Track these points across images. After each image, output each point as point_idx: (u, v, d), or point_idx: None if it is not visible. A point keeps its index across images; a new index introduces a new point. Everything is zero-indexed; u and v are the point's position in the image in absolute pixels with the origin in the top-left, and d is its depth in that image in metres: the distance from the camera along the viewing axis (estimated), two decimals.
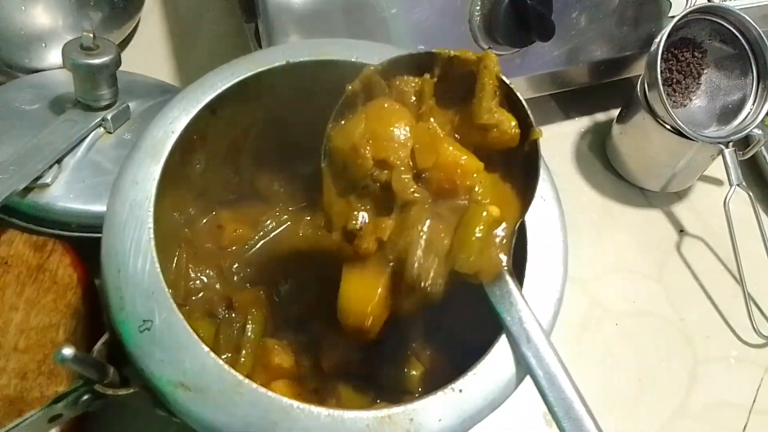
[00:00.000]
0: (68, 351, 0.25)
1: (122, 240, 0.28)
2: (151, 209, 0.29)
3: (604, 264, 0.52)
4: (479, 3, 0.44)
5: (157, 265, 0.27)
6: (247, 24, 0.44)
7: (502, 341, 0.28)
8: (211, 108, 0.32)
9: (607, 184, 0.56)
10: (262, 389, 0.25)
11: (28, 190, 0.40)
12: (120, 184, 0.30)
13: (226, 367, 0.25)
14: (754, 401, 0.47)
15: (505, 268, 0.29)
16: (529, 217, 0.31)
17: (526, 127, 0.30)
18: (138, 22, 0.58)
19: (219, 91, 0.32)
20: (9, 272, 0.39)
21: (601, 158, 0.57)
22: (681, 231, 0.54)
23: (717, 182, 0.57)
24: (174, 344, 0.26)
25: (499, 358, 0.27)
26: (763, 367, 0.48)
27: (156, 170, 0.30)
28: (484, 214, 0.29)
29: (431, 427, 0.25)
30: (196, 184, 0.37)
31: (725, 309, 0.50)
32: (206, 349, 0.26)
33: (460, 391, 0.26)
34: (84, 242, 0.41)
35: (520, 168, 0.30)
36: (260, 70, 0.32)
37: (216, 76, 0.33)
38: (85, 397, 0.28)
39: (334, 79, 0.30)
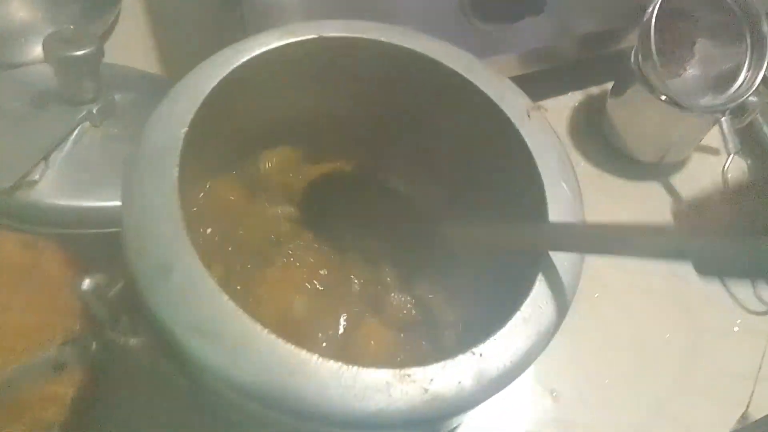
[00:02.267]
0: (89, 282, 0.25)
1: (148, 180, 0.27)
2: (178, 157, 0.28)
3: None
4: None
5: (179, 211, 0.27)
6: (233, 11, 0.43)
7: (524, 310, 0.27)
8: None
9: (603, 158, 0.56)
10: (281, 339, 0.24)
11: (15, 188, 0.39)
12: (147, 129, 0.30)
13: (245, 315, 0.25)
14: (759, 369, 0.47)
15: None
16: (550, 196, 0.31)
17: None
18: (119, 12, 0.57)
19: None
20: (1, 273, 0.38)
21: (596, 132, 0.57)
22: (679, 202, 0.54)
23: (713, 151, 0.57)
24: (192, 290, 0.25)
25: (521, 326, 0.27)
26: (767, 335, 0.49)
27: (187, 117, 0.30)
28: None
29: (450, 389, 0.25)
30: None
31: (728, 279, 0.50)
32: (225, 296, 0.25)
33: (481, 355, 0.26)
34: (75, 239, 0.41)
35: None
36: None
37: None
38: (94, 344, 0.27)
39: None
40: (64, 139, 0.42)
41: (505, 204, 0.35)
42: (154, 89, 0.49)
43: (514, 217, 0.34)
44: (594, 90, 0.59)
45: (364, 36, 0.34)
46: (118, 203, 0.29)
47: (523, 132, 0.33)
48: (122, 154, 0.43)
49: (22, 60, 0.50)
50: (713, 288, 0.50)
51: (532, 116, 0.34)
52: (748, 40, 0.49)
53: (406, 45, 0.34)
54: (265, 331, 0.24)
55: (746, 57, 0.49)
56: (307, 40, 0.33)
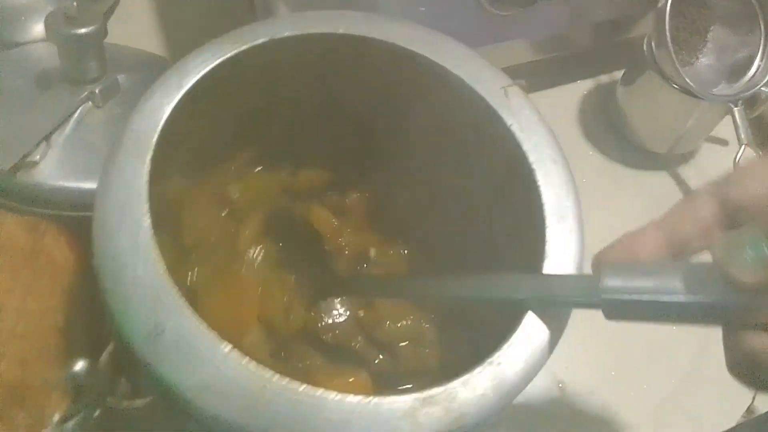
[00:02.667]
0: (81, 365, 0.24)
1: (118, 245, 0.25)
2: (146, 205, 0.26)
3: (612, 228, 0.50)
4: None
5: (161, 264, 0.25)
6: None
7: (531, 313, 0.27)
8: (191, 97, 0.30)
9: (612, 147, 0.55)
10: (292, 383, 0.23)
11: (16, 168, 0.38)
12: (106, 186, 0.28)
13: (252, 364, 0.23)
14: None
15: None
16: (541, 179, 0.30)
17: None
18: None
19: (199, 75, 0.30)
20: (2, 255, 0.37)
21: (605, 121, 0.56)
22: (689, 193, 0.53)
23: (722, 142, 0.56)
24: (190, 346, 0.24)
25: (530, 327, 0.26)
26: None
27: (143, 169, 0.28)
28: None
29: (474, 402, 0.24)
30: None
31: None
32: (227, 347, 0.24)
33: (499, 364, 0.25)
34: (77, 221, 0.40)
35: None
36: (242, 48, 0.30)
37: (195, 58, 0.31)
38: (97, 412, 0.27)
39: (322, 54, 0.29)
40: (66, 119, 0.42)
41: (495, 190, 0.34)
42: (158, 71, 0.49)
43: (503, 199, 0.33)
44: (603, 78, 0.58)
45: (318, 31, 0.32)
46: None
47: (503, 112, 0.31)
48: None
49: (24, 38, 0.49)
50: None
51: (510, 93, 0.32)
52: (762, 29, 0.49)
53: (365, 34, 0.32)
54: (276, 376, 0.23)
55: (760, 46, 0.49)
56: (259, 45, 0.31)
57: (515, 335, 0.26)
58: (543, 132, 0.31)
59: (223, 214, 0.38)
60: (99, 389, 0.25)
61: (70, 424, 0.26)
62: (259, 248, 0.39)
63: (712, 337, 0.46)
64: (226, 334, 0.30)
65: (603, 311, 0.24)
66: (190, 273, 0.33)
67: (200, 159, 0.36)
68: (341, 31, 0.32)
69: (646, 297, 0.23)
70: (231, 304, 0.35)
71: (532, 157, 0.30)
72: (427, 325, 0.37)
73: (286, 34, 0.31)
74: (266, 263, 0.39)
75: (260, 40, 0.31)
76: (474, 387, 0.24)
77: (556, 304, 0.27)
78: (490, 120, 0.31)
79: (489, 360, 0.25)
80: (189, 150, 0.34)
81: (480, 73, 0.32)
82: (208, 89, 0.31)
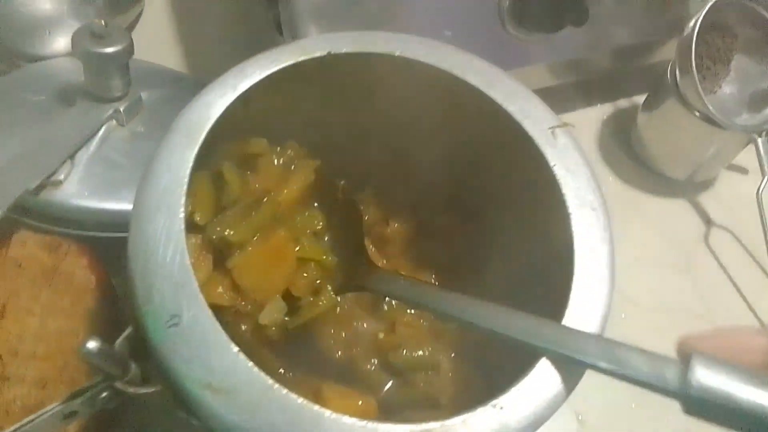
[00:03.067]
0: (93, 344, 0.25)
1: (153, 228, 0.26)
2: (183, 197, 0.27)
3: (631, 256, 0.51)
4: None
5: (188, 256, 0.26)
6: (268, 12, 0.42)
7: (546, 359, 0.26)
8: (244, 98, 0.30)
9: (631, 172, 0.55)
10: (293, 395, 0.24)
11: (40, 187, 0.38)
12: (152, 169, 0.28)
13: (256, 369, 0.24)
14: None
15: None
16: (576, 227, 0.29)
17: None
18: (143, 5, 0.56)
19: (256, 80, 0.30)
20: (23, 275, 0.37)
21: (625, 146, 0.56)
22: (708, 221, 0.53)
23: (742, 171, 0.56)
24: (202, 342, 0.24)
25: (543, 374, 0.26)
26: None
27: (190, 156, 0.28)
28: None
29: None
30: None
31: (753, 300, 0.50)
32: (236, 349, 0.24)
33: (501, 408, 0.25)
34: (100, 242, 0.40)
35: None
36: (300, 59, 0.30)
37: (254, 64, 0.31)
38: (104, 394, 0.27)
39: (375, 73, 0.29)
40: (90, 137, 0.41)
41: (528, 227, 0.34)
42: (179, 87, 0.49)
43: (535, 238, 0.33)
44: (623, 103, 0.58)
45: (376, 50, 0.32)
46: None
47: (548, 153, 0.31)
48: (148, 153, 0.42)
49: (47, 53, 0.49)
50: (742, 311, 0.49)
51: (558, 134, 0.32)
52: None
53: (420, 59, 0.32)
54: (277, 386, 0.24)
55: None
56: (319, 57, 0.32)
57: (526, 380, 0.25)
58: (585, 177, 0.30)
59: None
60: (110, 371, 0.26)
61: (78, 401, 0.26)
62: (303, 216, 0.38)
63: None
64: (249, 295, 0.31)
65: (683, 405, 0.23)
66: (228, 229, 0.33)
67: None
68: (398, 53, 0.32)
69: (745, 406, 0.21)
70: (263, 266, 0.34)
71: (571, 202, 0.29)
72: (444, 358, 0.37)
73: (345, 50, 0.31)
74: (308, 235, 0.38)
75: (319, 53, 0.31)
76: (473, 428, 0.24)
77: (593, 366, 0.26)
78: (534, 159, 0.31)
79: (493, 402, 0.25)
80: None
81: (530, 111, 0.31)
82: (262, 94, 0.31)
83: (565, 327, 0.27)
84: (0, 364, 0.35)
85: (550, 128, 0.32)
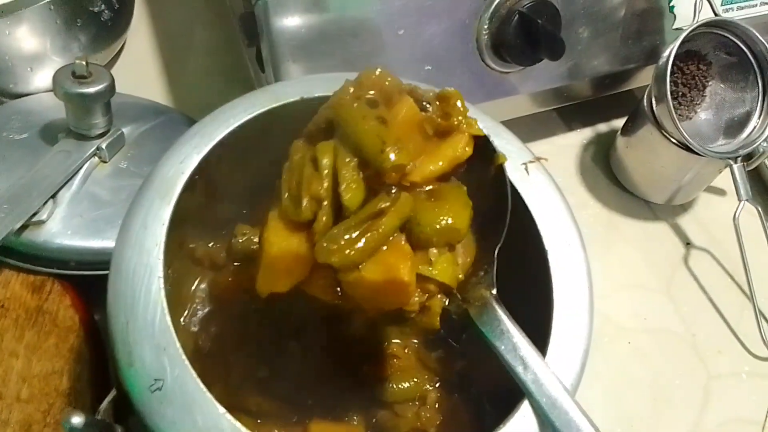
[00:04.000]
0: (77, 419, 0.25)
1: (131, 289, 0.27)
2: (161, 257, 0.27)
3: (613, 279, 0.52)
4: (487, 21, 0.43)
5: (168, 317, 0.26)
6: (249, 48, 0.42)
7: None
8: (222, 145, 0.31)
9: (611, 196, 0.56)
10: None
11: (23, 227, 0.38)
12: (128, 227, 0.28)
13: (242, 428, 0.24)
14: (767, 416, 0.47)
15: (492, 295, 0.28)
16: (554, 263, 0.30)
17: (488, 153, 0.28)
18: (125, 39, 0.56)
19: (232, 127, 0.31)
20: (6, 316, 0.37)
21: (605, 170, 0.57)
22: (687, 244, 0.54)
23: (720, 192, 0.57)
24: (186, 403, 0.24)
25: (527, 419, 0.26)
26: None
27: (166, 213, 0.29)
28: None
29: None
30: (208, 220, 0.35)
31: (735, 323, 0.50)
32: (221, 409, 0.24)
33: None
34: (83, 280, 0.40)
35: (489, 197, 0.29)
36: (276, 105, 0.31)
37: (229, 110, 0.31)
38: None
39: None
40: (72, 175, 0.42)
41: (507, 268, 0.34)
42: (160, 120, 0.49)
43: (514, 273, 0.33)
44: (602, 127, 0.59)
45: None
46: None
47: (522, 190, 0.31)
48: (131, 189, 0.42)
49: (28, 89, 0.49)
50: (723, 332, 0.50)
51: (531, 170, 0.32)
52: (760, 86, 0.49)
53: None
54: None
55: (758, 103, 0.49)
56: (292, 102, 0.32)
57: (509, 424, 0.26)
58: (561, 211, 0.31)
59: None
60: None
61: None
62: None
63: (714, 389, 0.47)
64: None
65: None
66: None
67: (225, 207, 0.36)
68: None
69: None
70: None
71: (547, 239, 0.30)
72: (430, 388, 0.37)
73: (317, 94, 0.32)
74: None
75: (292, 99, 0.31)
76: None
77: None
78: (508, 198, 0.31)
79: None
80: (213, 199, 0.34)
81: (503, 146, 0.32)
82: (236, 142, 0.31)
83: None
84: None
85: (523, 164, 0.32)
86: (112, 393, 0.27)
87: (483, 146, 0.28)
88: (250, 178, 0.34)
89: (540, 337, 0.29)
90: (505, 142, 0.32)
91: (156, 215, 0.29)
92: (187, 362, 0.25)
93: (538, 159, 0.32)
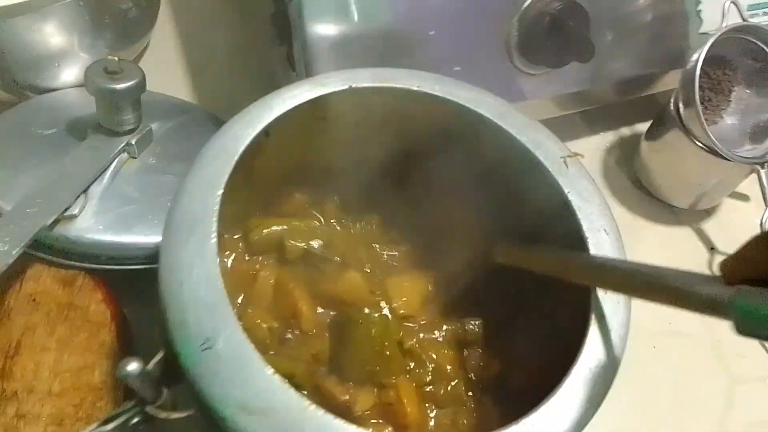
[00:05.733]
0: (134, 365, 0.25)
1: (184, 254, 0.27)
2: (215, 221, 0.28)
3: None
4: (517, 23, 0.43)
5: (220, 280, 0.26)
6: (279, 47, 0.43)
7: (574, 377, 0.28)
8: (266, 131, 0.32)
9: (635, 200, 0.56)
10: (329, 415, 0.24)
11: (55, 222, 0.39)
12: (182, 196, 0.29)
13: (292, 390, 0.24)
14: None
15: None
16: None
17: None
18: (151, 37, 0.56)
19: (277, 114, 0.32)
20: (38, 310, 0.38)
21: (628, 174, 0.57)
22: (711, 249, 0.54)
23: (744, 198, 0.57)
24: (237, 364, 0.25)
25: (570, 393, 0.27)
26: None
27: (221, 181, 0.29)
28: None
29: None
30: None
31: None
32: (270, 370, 0.25)
33: (533, 425, 0.26)
34: (113, 274, 0.40)
35: None
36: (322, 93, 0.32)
37: (276, 97, 0.32)
38: (136, 419, 0.27)
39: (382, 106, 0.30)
40: (102, 171, 0.42)
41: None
42: (187, 117, 0.50)
43: None
44: (625, 131, 0.60)
45: (392, 85, 0.34)
46: (159, 238, 0.29)
47: (561, 181, 0.33)
48: (160, 185, 0.43)
49: (54, 84, 0.49)
50: (745, 339, 0.50)
51: (570, 164, 0.34)
52: None
53: (435, 93, 0.34)
54: (312, 406, 0.24)
55: None
56: (339, 91, 0.33)
57: (554, 398, 0.27)
58: (597, 202, 0.32)
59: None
60: (144, 395, 0.26)
61: (110, 426, 0.27)
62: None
63: (737, 396, 0.47)
64: None
65: (736, 323, 0.22)
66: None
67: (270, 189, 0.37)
68: (416, 87, 0.33)
69: None
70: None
71: (586, 227, 0.31)
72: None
73: (365, 84, 0.33)
74: None
75: (341, 87, 0.32)
76: None
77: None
78: (549, 187, 0.32)
79: (524, 421, 0.26)
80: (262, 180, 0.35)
81: (542, 142, 0.33)
82: (284, 126, 0.32)
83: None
84: (16, 401, 0.35)
85: (561, 158, 0.33)
86: (160, 354, 0.27)
87: None
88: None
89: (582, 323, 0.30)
90: (543, 137, 0.34)
91: (210, 184, 0.29)
92: (237, 323, 0.25)
93: (575, 155, 0.33)
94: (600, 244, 0.31)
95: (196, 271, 0.26)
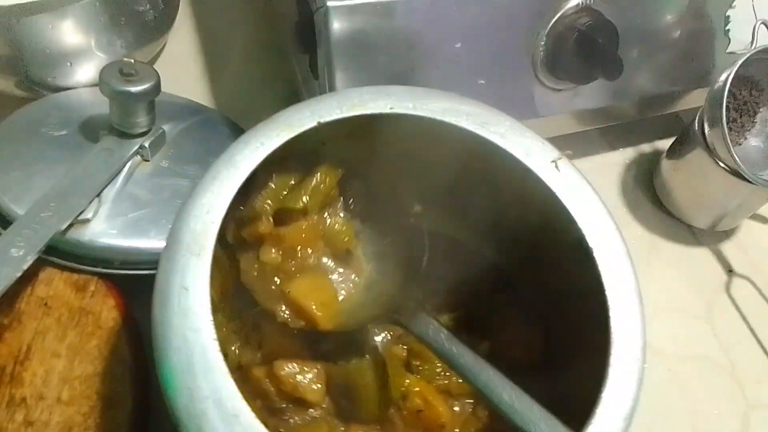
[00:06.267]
0: None
1: (187, 358, 0.25)
2: (211, 317, 0.26)
3: (652, 303, 0.52)
4: (544, 38, 0.43)
5: (233, 384, 0.25)
6: (302, 54, 0.43)
7: None
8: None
9: (653, 218, 0.56)
10: None
11: (68, 226, 0.39)
12: (167, 291, 0.27)
13: None
14: None
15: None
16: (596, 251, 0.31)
17: None
18: (168, 38, 0.56)
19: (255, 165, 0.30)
20: (50, 315, 0.38)
21: (647, 191, 0.57)
22: (730, 271, 0.54)
23: (764, 220, 0.57)
24: (234, 426, 0.24)
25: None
26: None
27: (205, 270, 0.27)
28: None
29: None
30: None
31: None
32: None
33: None
34: (125, 279, 0.40)
35: None
36: (293, 135, 0.31)
37: (246, 146, 0.31)
38: None
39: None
40: (116, 174, 0.42)
41: (551, 256, 0.35)
42: (199, 119, 0.50)
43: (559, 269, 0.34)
44: (645, 147, 0.60)
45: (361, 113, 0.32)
46: None
47: (553, 186, 0.32)
48: (173, 188, 0.43)
49: (67, 83, 0.49)
50: (763, 362, 0.50)
51: (561, 167, 0.33)
52: None
53: (411, 111, 0.32)
54: None
55: None
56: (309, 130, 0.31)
57: None
58: (595, 203, 0.32)
59: None
60: None
61: None
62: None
63: (753, 421, 0.47)
64: None
65: None
66: None
67: None
68: (389, 109, 0.32)
69: None
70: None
71: (585, 230, 0.31)
72: None
73: (334, 117, 0.31)
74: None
75: (309, 125, 0.31)
76: None
77: None
78: (542, 195, 0.32)
79: None
80: None
81: (530, 147, 0.32)
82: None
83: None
84: (25, 407, 0.35)
85: (552, 161, 0.32)
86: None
87: None
88: None
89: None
90: (527, 142, 0.33)
91: (195, 273, 0.27)
92: (260, 425, 0.24)
93: (563, 154, 0.33)
94: (601, 242, 0.31)
95: (205, 382, 0.25)
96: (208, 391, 0.25)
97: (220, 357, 0.25)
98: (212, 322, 0.26)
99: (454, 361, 0.31)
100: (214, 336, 0.26)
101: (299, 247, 0.36)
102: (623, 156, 0.59)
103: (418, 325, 0.33)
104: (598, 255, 0.31)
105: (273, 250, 0.34)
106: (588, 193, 0.32)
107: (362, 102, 0.32)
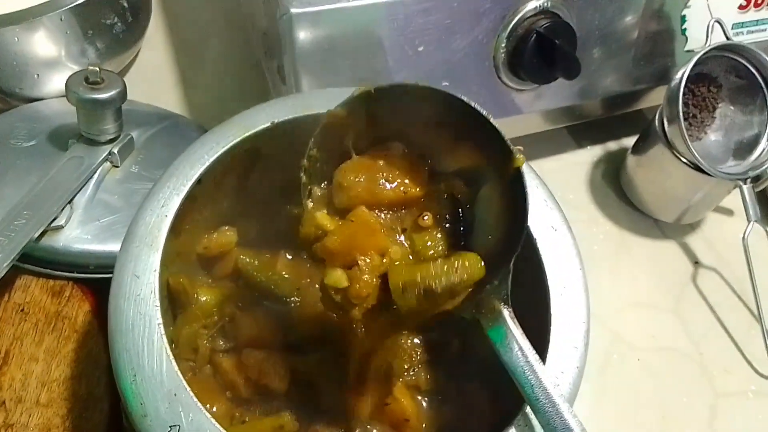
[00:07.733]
0: None
1: (133, 341, 0.29)
2: (158, 303, 0.30)
3: (622, 297, 0.55)
4: (505, 40, 0.46)
5: (174, 363, 0.28)
6: (271, 60, 0.45)
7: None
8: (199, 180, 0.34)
9: (621, 214, 0.59)
10: None
11: (42, 233, 0.41)
12: (120, 280, 0.31)
13: None
14: None
15: (505, 308, 0.30)
16: (544, 250, 0.33)
17: (505, 155, 0.29)
18: (140, 46, 0.59)
19: (207, 164, 0.34)
20: (27, 320, 0.40)
21: (614, 188, 0.60)
22: (696, 263, 0.58)
23: (728, 212, 0.61)
24: None
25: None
26: None
27: (155, 260, 0.31)
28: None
29: None
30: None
31: (742, 342, 0.54)
32: None
33: None
34: (100, 283, 0.42)
35: (504, 201, 0.30)
36: (247, 135, 0.34)
37: (202, 146, 0.34)
38: None
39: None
40: (86, 180, 0.44)
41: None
42: (167, 125, 0.52)
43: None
44: (612, 145, 0.63)
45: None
46: None
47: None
48: (143, 193, 0.45)
49: (33, 94, 0.52)
50: (730, 351, 0.54)
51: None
52: None
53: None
54: None
55: (766, 125, 0.54)
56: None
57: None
58: (543, 198, 0.34)
59: None
60: None
61: None
62: None
63: (721, 410, 0.50)
64: None
65: None
66: None
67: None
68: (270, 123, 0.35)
69: None
70: None
71: (532, 225, 0.33)
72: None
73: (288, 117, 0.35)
74: None
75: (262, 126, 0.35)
76: None
77: None
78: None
79: None
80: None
81: None
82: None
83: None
84: (3, 411, 0.37)
85: None
86: None
87: (499, 147, 0.29)
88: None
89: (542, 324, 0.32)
90: None
91: (146, 264, 0.31)
92: (200, 405, 0.27)
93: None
94: (550, 242, 0.33)
95: (148, 360, 0.28)
96: (150, 371, 0.28)
97: (164, 340, 0.29)
98: (159, 308, 0.29)
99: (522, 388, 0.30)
100: (160, 321, 0.29)
101: None
102: (591, 154, 0.62)
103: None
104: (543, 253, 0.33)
105: None
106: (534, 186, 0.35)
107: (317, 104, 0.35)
